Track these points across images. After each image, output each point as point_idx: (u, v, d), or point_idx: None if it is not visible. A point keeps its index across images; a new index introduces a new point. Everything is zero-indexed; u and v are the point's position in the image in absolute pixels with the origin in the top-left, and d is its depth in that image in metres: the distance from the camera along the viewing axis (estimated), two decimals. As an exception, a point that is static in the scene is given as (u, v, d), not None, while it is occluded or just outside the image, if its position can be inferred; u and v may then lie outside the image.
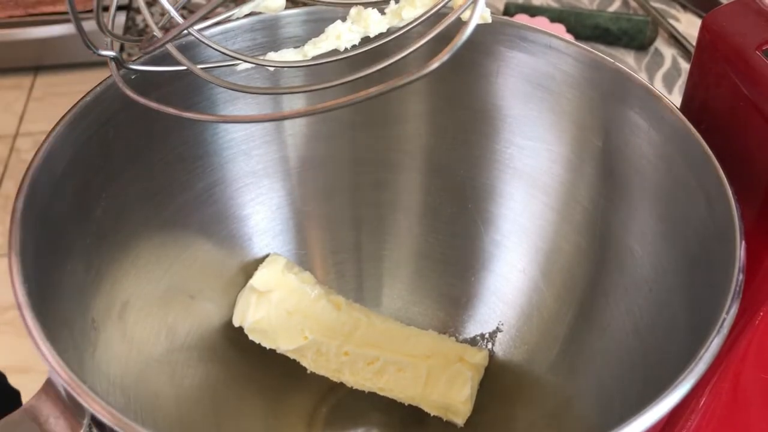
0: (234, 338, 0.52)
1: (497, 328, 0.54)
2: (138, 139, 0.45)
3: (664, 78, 0.76)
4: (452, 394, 0.50)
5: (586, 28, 0.78)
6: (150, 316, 0.47)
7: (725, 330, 0.33)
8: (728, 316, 0.33)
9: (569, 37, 0.49)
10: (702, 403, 0.44)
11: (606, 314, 0.47)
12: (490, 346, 0.54)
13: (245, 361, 0.53)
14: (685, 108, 0.44)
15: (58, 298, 0.37)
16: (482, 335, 0.54)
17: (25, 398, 0.32)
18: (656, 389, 0.34)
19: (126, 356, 0.44)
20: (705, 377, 0.33)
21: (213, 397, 0.51)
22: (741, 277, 0.34)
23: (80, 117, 0.40)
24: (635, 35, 0.77)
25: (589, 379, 0.48)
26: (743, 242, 0.35)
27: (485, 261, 0.54)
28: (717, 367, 0.43)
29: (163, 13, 0.34)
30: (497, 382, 0.53)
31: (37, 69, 1.32)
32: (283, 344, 0.52)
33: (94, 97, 0.41)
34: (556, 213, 0.51)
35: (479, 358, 0.52)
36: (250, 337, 0.52)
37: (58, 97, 1.25)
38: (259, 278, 0.52)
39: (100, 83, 0.42)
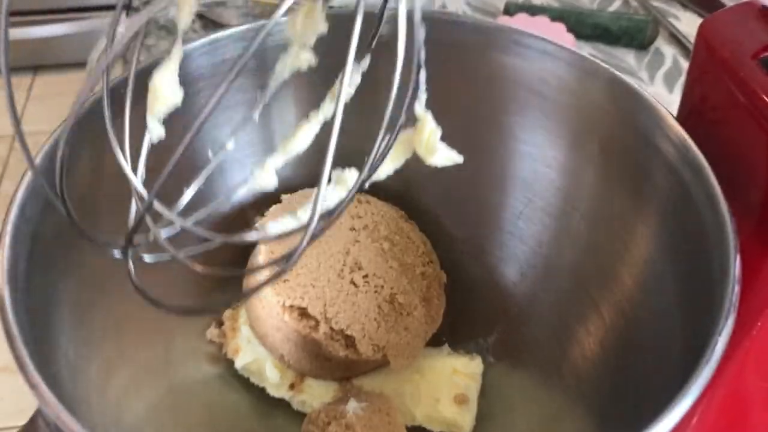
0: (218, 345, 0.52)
1: (495, 334, 0.54)
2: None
3: (665, 77, 0.75)
4: (454, 408, 0.50)
5: (587, 28, 0.78)
6: (147, 329, 0.47)
7: (720, 346, 0.33)
8: (722, 336, 0.33)
9: (569, 37, 0.49)
10: (701, 411, 0.44)
11: (602, 323, 0.47)
12: (487, 352, 0.54)
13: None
14: (681, 115, 0.43)
15: (51, 318, 0.37)
16: (479, 341, 0.54)
17: (21, 398, 0.32)
18: (652, 401, 0.34)
19: (122, 371, 0.44)
20: (705, 387, 0.32)
21: (210, 404, 0.51)
22: (736, 290, 0.34)
23: (67, 135, 0.39)
24: (635, 35, 0.77)
25: (586, 386, 0.48)
26: (737, 255, 0.35)
27: (482, 269, 0.54)
28: (716, 375, 0.43)
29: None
30: (496, 390, 0.53)
31: (36, 69, 1.32)
32: (271, 391, 0.52)
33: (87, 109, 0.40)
34: (552, 219, 0.51)
35: (473, 366, 0.52)
36: (240, 372, 0.52)
37: (57, 97, 1.25)
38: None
39: (93, 93, 0.41)
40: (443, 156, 0.40)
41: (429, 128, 0.40)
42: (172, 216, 0.31)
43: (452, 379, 0.51)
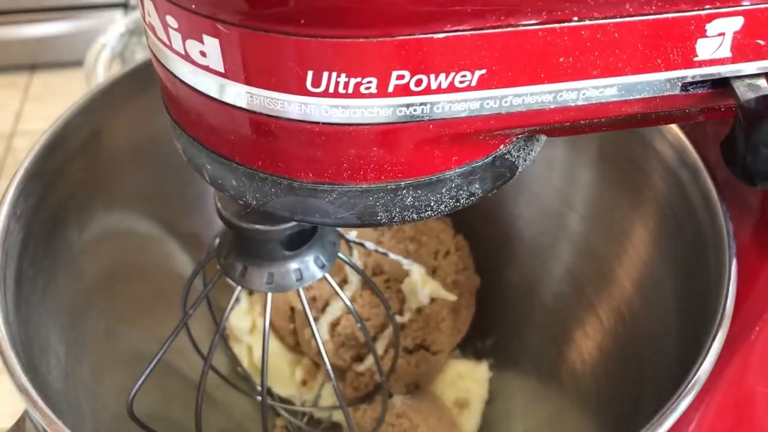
0: (223, 346, 0.52)
1: (492, 337, 0.54)
2: (124, 153, 0.44)
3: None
4: (454, 411, 0.50)
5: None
6: (141, 331, 0.46)
7: (715, 351, 0.32)
8: (716, 341, 0.32)
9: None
10: (699, 417, 0.43)
11: (600, 327, 0.47)
12: (485, 355, 0.54)
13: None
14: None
15: (42, 319, 0.37)
16: (476, 344, 0.54)
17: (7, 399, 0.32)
18: (649, 404, 0.33)
19: (116, 374, 0.43)
20: (702, 393, 0.32)
21: (209, 406, 0.51)
22: (731, 295, 0.34)
23: (59, 135, 0.39)
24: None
25: (585, 390, 0.48)
26: (734, 259, 0.35)
27: (480, 270, 0.54)
28: (713, 380, 0.43)
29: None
30: (494, 393, 0.52)
31: (33, 67, 1.31)
32: (279, 389, 0.51)
33: (74, 113, 0.40)
34: (551, 220, 0.51)
35: (479, 371, 0.51)
36: (243, 374, 0.51)
37: (55, 96, 1.24)
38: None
39: (83, 98, 0.41)
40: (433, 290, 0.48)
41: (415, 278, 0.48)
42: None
43: (455, 382, 0.51)
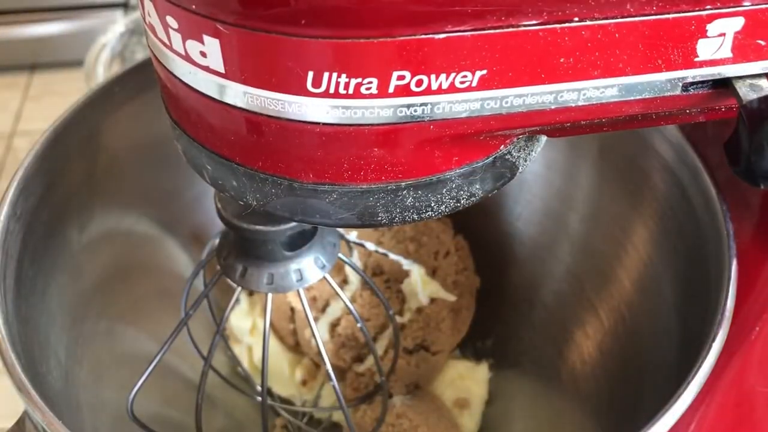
0: (223, 346, 0.52)
1: (492, 338, 0.53)
2: (124, 152, 0.44)
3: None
4: (454, 411, 0.50)
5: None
6: (140, 331, 0.46)
7: (715, 351, 0.32)
8: (716, 342, 0.32)
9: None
10: (699, 417, 0.43)
11: (600, 327, 0.47)
12: (485, 356, 0.54)
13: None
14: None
15: (41, 318, 0.37)
16: (476, 345, 0.54)
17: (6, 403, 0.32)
18: (649, 405, 0.33)
19: (115, 373, 0.43)
20: (702, 393, 0.32)
21: (209, 405, 0.51)
22: (731, 295, 0.34)
23: (59, 135, 0.39)
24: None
25: (585, 390, 0.48)
26: (734, 260, 0.35)
27: (480, 270, 0.53)
28: (713, 381, 0.42)
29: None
30: (494, 394, 0.52)
31: (33, 67, 1.31)
32: (279, 389, 0.51)
33: (72, 113, 0.40)
34: (551, 221, 0.51)
35: (479, 371, 0.51)
36: (243, 374, 0.51)
37: (55, 96, 1.24)
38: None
39: (81, 100, 0.41)
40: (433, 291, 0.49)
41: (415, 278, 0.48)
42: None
43: (455, 383, 0.51)
